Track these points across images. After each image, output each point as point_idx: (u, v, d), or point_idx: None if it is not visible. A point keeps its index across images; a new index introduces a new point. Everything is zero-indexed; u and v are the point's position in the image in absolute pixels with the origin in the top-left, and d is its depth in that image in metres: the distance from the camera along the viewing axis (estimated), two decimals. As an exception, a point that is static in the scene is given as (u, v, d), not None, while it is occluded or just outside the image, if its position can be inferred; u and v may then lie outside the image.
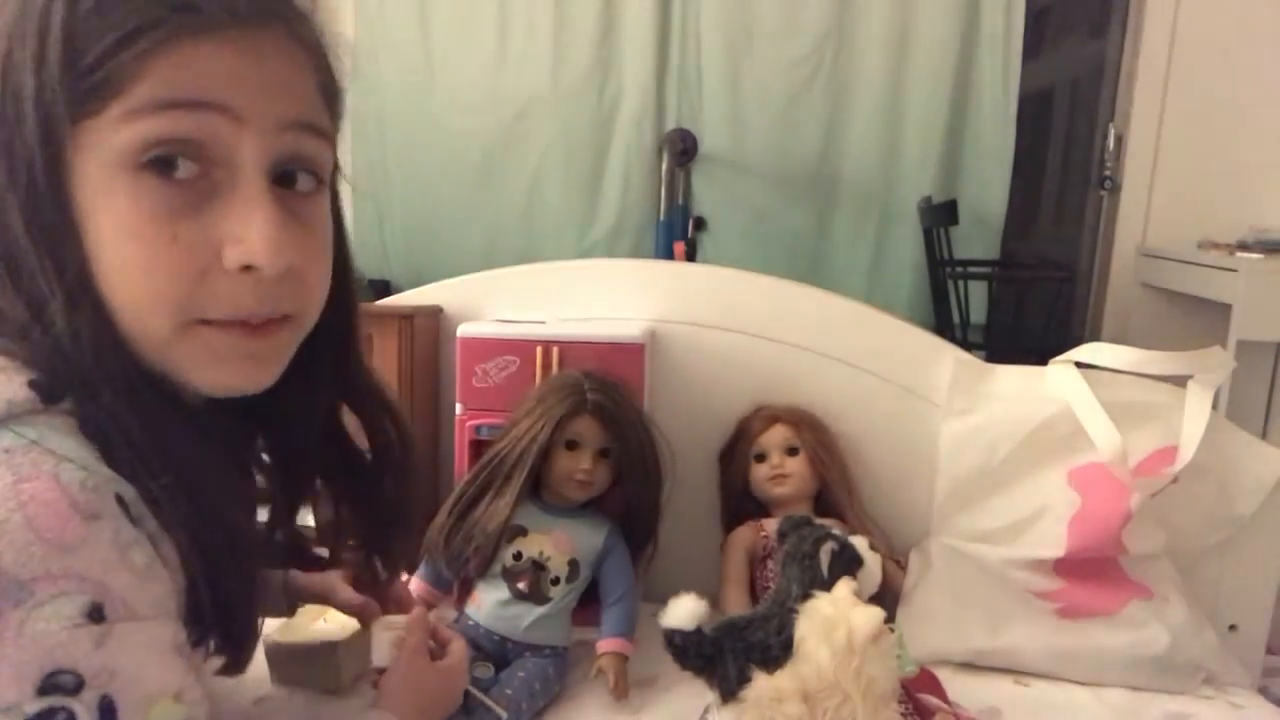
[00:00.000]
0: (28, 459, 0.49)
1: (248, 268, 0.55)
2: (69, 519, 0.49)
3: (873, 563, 1.03)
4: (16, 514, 0.47)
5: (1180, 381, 1.28)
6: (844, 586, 0.92)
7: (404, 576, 1.22)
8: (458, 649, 0.94)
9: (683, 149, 2.93)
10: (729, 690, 0.93)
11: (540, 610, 1.12)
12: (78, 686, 0.48)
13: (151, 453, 0.54)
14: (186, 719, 0.54)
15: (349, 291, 0.71)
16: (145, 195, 0.53)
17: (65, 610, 0.48)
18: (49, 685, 0.47)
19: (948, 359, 1.37)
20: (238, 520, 0.61)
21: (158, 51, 0.51)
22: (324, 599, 0.99)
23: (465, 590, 1.19)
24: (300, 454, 0.75)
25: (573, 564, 1.15)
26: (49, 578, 0.48)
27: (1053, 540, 1.21)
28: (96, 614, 0.49)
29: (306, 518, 0.88)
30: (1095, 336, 3.08)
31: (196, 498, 0.56)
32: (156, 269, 0.53)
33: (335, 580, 0.98)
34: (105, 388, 0.54)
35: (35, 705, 0.47)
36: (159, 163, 0.52)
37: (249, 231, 0.54)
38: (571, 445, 1.16)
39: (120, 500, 0.52)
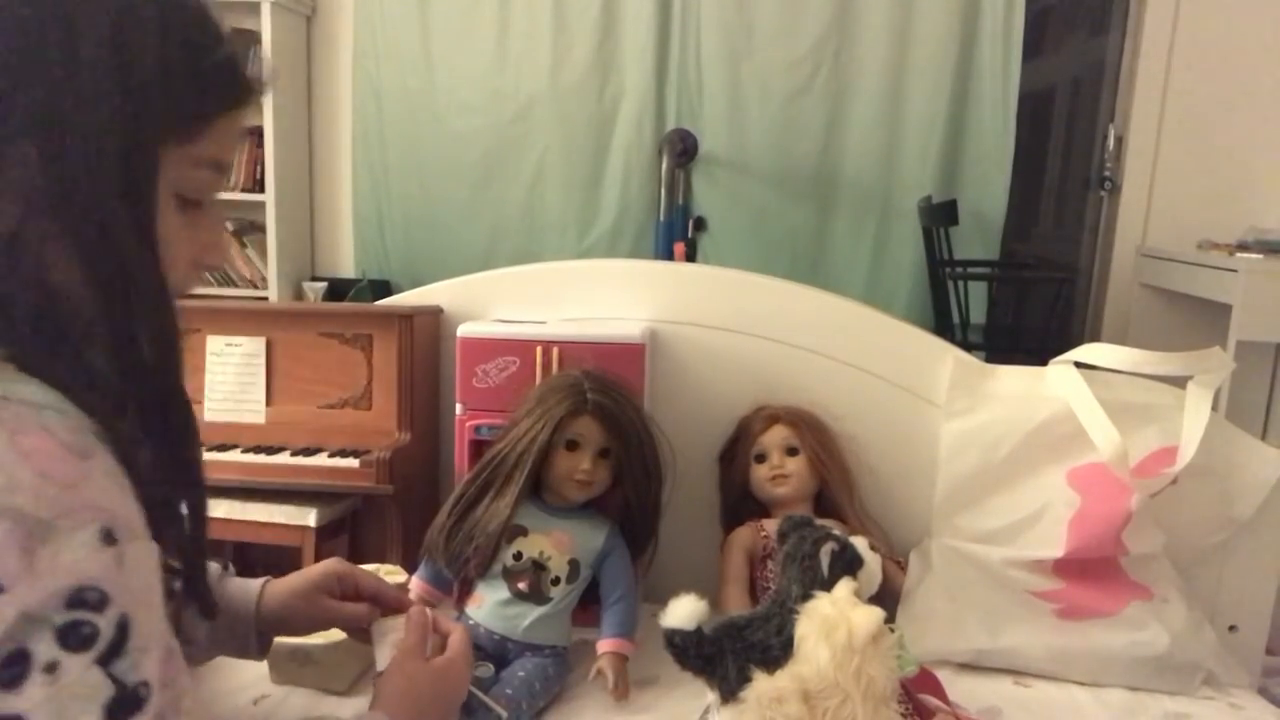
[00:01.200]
0: (10, 413, 0.53)
1: (213, 265, 0.68)
2: (66, 459, 0.53)
3: (873, 563, 1.03)
4: (23, 467, 0.51)
5: (1180, 382, 1.28)
6: (844, 587, 0.92)
7: (403, 578, 1.23)
8: (458, 641, 0.90)
9: (683, 149, 2.93)
10: (729, 690, 0.93)
11: (540, 610, 1.12)
12: (102, 603, 0.52)
13: (106, 392, 0.59)
14: (168, 649, 0.57)
15: None
16: (176, 214, 0.62)
17: (86, 538, 0.52)
18: (76, 599, 0.51)
19: (948, 359, 1.37)
20: (191, 453, 0.67)
21: (225, 115, 0.62)
22: (311, 625, 0.95)
23: (465, 590, 1.19)
24: None
25: (573, 564, 1.15)
26: (68, 513, 0.52)
27: (1053, 540, 1.21)
28: (109, 537, 0.53)
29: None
30: (1095, 337, 3.08)
31: (155, 432, 0.62)
32: (173, 266, 0.63)
33: (323, 599, 0.94)
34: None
35: (63, 616, 0.51)
36: (190, 200, 0.63)
37: (220, 241, 0.68)
38: (572, 445, 1.16)
39: (97, 435, 0.57)
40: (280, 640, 1.05)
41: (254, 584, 0.92)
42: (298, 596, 0.92)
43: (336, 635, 1.05)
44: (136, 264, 0.59)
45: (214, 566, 0.91)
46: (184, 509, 0.66)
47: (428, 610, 0.91)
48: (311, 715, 0.75)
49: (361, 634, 0.94)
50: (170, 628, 0.58)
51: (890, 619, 0.90)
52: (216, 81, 0.61)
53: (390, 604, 0.95)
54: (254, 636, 0.91)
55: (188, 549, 0.67)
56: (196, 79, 0.60)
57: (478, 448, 1.30)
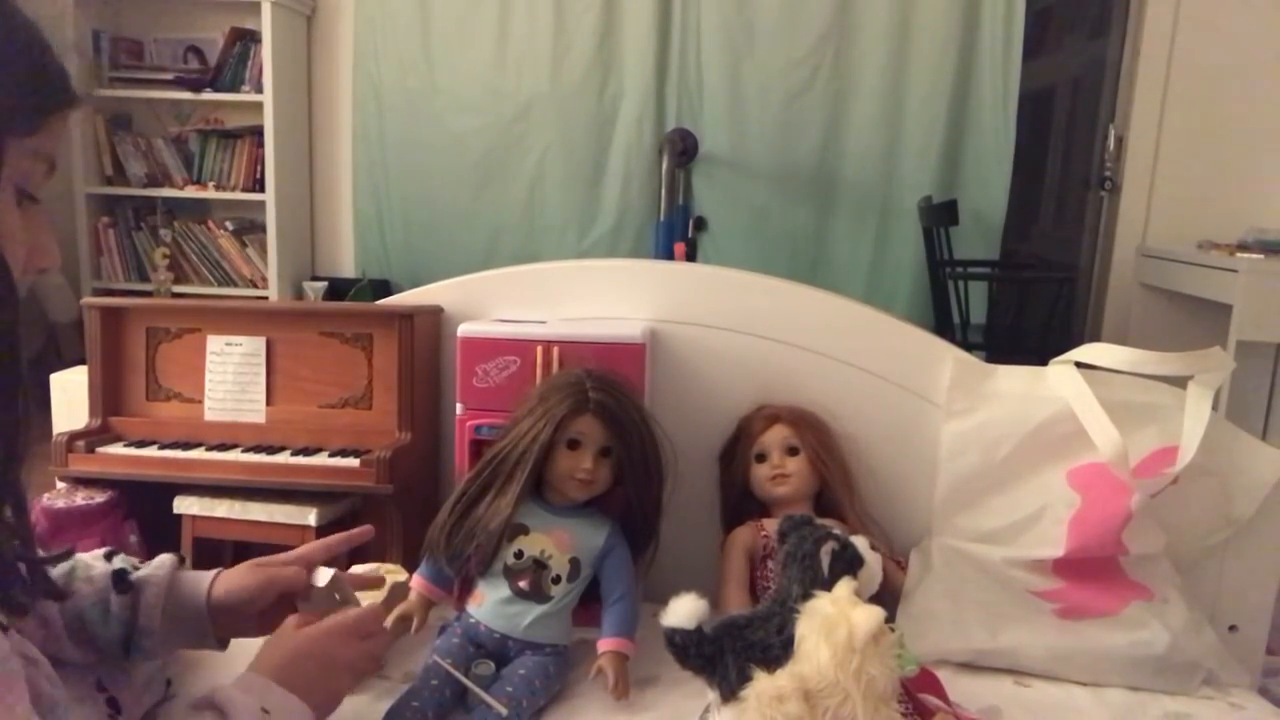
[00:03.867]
0: None
1: (42, 270, 0.69)
2: None
3: (873, 562, 1.03)
4: None
5: (1180, 382, 1.28)
6: (844, 586, 0.92)
7: (403, 577, 1.22)
8: (346, 616, 0.89)
9: (683, 149, 2.93)
10: (729, 689, 0.93)
11: (541, 608, 1.12)
12: None
13: None
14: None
15: None
16: (14, 210, 0.65)
17: None
18: None
19: (948, 359, 1.37)
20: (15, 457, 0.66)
21: (59, 112, 0.66)
22: (258, 595, 0.93)
23: (466, 588, 1.19)
24: None
25: (574, 562, 1.15)
26: None
27: (1053, 540, 1.21)
28: None
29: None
30: (1095, 337, 3.08)
31: None
32: (13, 265, 0.65)
33: (268, 568, 0.94)
34: None
35: None
36: (27, 194, 0.66)
37: (51, 245, 0.69)
38: (573, 444, 1.16)
39: None
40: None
41: (206, 574, 0.93)
42: (243, 573, 0.94)
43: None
44: None
45: (168, 558, 0.93)
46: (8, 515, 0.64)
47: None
48: (196, 696, 0.77)
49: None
50: (4, 647, 0.58)
51: (890, 618, 0.90)
52: (54, 82, 0.66)
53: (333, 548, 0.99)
54: (209, 624, 0.91)
55: (18, 543, 0.66)
56: (37, 77, 0.64)
57: (478, 447, 1.30)
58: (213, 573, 0.94)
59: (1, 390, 0.62)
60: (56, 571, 0.88)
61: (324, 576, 0.96)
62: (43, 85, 0.65)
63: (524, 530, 1.15)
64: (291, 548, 1.47)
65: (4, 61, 0.62)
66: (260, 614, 0.94)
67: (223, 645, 0.94)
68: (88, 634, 0.87)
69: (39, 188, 0.67)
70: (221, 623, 0.93)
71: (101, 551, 0.93)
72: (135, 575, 0.90)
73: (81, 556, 0.91)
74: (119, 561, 0.91)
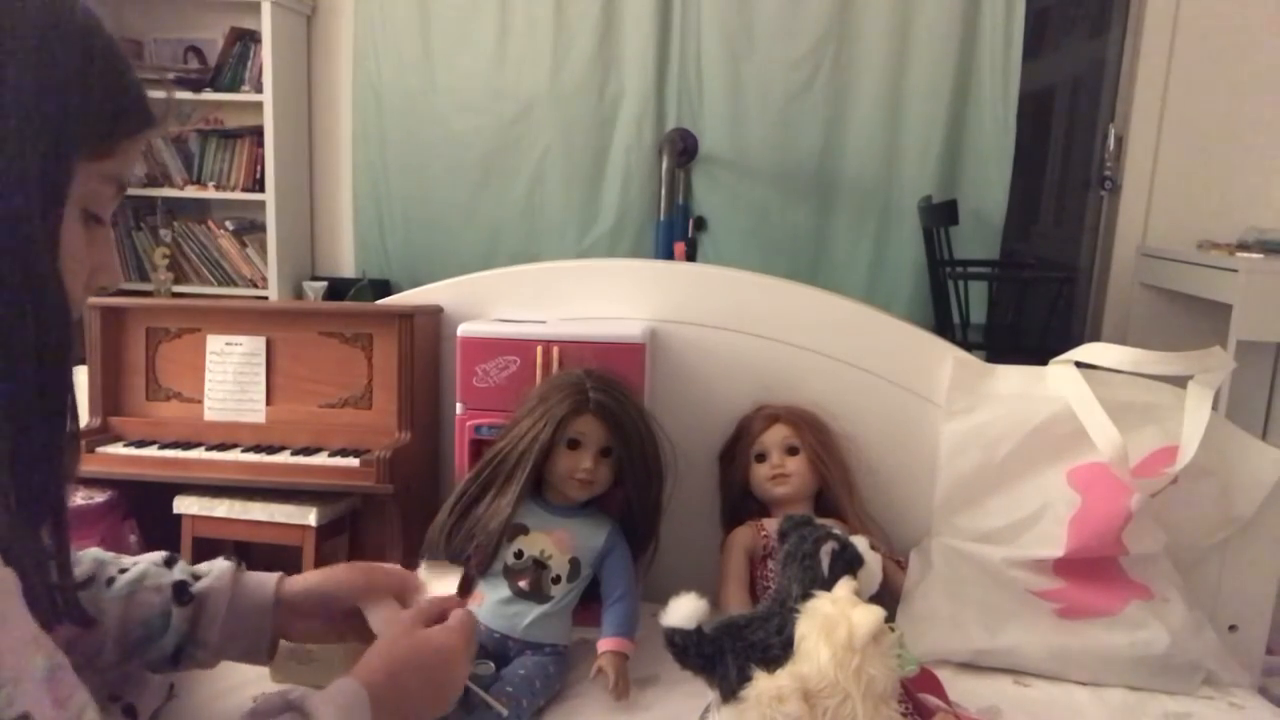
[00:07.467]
0: None
1: (104, 287, 0.68)
2: None
3: (873, 562, 1.03)
4: None
5: (1180, 381, 1.28)
6: (844, 586, 0.92)
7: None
8: (459, 621, 0.82)
9: (683, 149, 2.93)
10: (729, 689, 0.93)
11: (541, 608, 1.12)
12: None
13: None
14: (50, 668, 0.54)
15: None
16: (80, 231, 0.64)
17: None
18: None
19: (948, 359, 1.37)
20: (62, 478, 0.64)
21: (133, 137, 0.65)
22: (336, 607, 0.88)
23: (466, 588, 1.19)
24: None
25: (574, 562, 1.15)
26: None
27: (1053, 540, 1.21)
28: None
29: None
30: (1095, 336, 3.08)
31: (34, 456, 0.61)
32: (72, 283, 0.64)
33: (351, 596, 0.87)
34: None
35: None
36: (93, 216, 0.65)
37: (114, 263, 0.68)
38: (573, 444, 1.16)
39: None
40: (281, 640, 1.04)
41: (269, 579, 0.88)
42: (320, 587, 0.88)
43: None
44: (43, 277, 0.59)
45: (223, 564, 0.89)
46: (46, 535, 0.62)
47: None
48: (288, 694, 0.72)
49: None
50: (51, 643, 0.56)
51: (890, 618, 0.90)
52: (131, 105, 0.65)
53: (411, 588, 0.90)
54: (267, 633, 0.87)
55: (53, 569, 0.63)
56: (113, 100, 0.63)
57: (478, 447, 1.30)
58: (276, 575, 0.89)
59: (51, 411, 0.61)
60: (126, 578, 0.85)
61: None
62: (119, 109, 0.63)
63: (524, 530, 1.15)
64: (292, 548, 1.47)
65: (81, 84, 0.60)
66: (343, 614, 0.88)
67: (272, 656, 0.89)
68: (143, 644, 0.84)
69: (107, 210, 0.65)
70: (296, 619, 0.88)
71: (160, 557, 0.89)
72: (197, 587, 0.86)
73: (151, 565, 0.87)
74: (179, 572, 0.87)
